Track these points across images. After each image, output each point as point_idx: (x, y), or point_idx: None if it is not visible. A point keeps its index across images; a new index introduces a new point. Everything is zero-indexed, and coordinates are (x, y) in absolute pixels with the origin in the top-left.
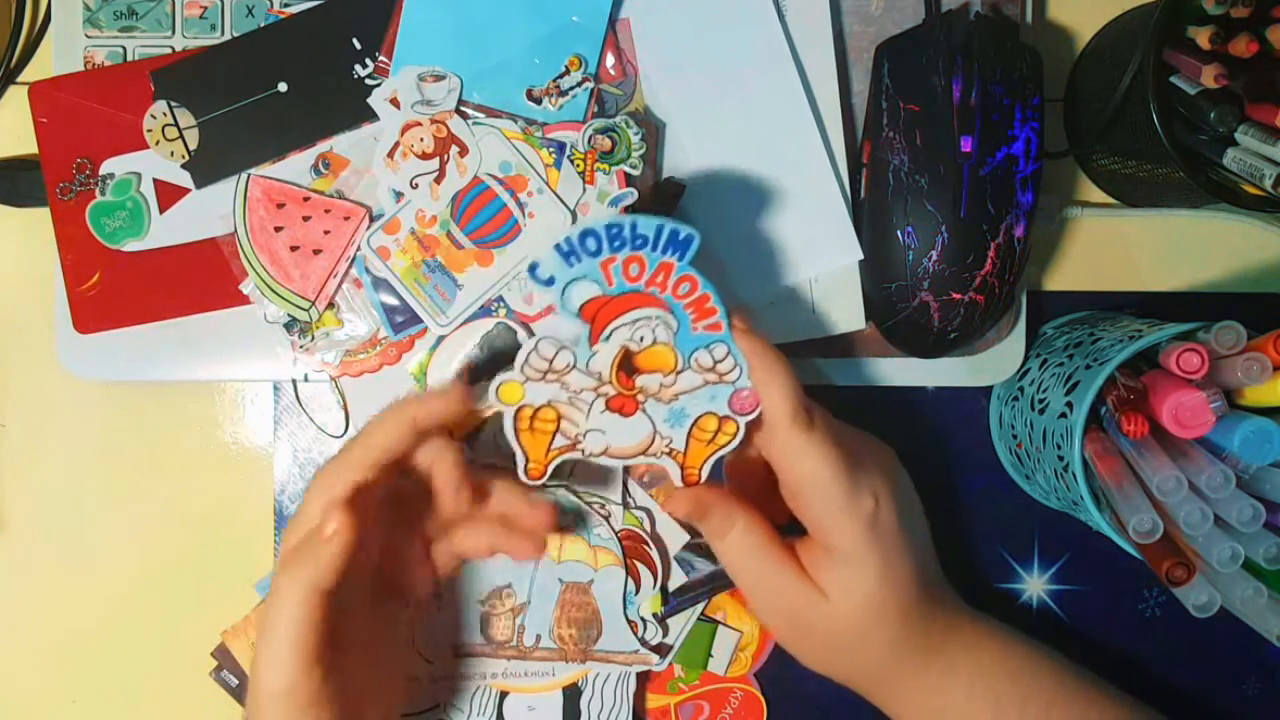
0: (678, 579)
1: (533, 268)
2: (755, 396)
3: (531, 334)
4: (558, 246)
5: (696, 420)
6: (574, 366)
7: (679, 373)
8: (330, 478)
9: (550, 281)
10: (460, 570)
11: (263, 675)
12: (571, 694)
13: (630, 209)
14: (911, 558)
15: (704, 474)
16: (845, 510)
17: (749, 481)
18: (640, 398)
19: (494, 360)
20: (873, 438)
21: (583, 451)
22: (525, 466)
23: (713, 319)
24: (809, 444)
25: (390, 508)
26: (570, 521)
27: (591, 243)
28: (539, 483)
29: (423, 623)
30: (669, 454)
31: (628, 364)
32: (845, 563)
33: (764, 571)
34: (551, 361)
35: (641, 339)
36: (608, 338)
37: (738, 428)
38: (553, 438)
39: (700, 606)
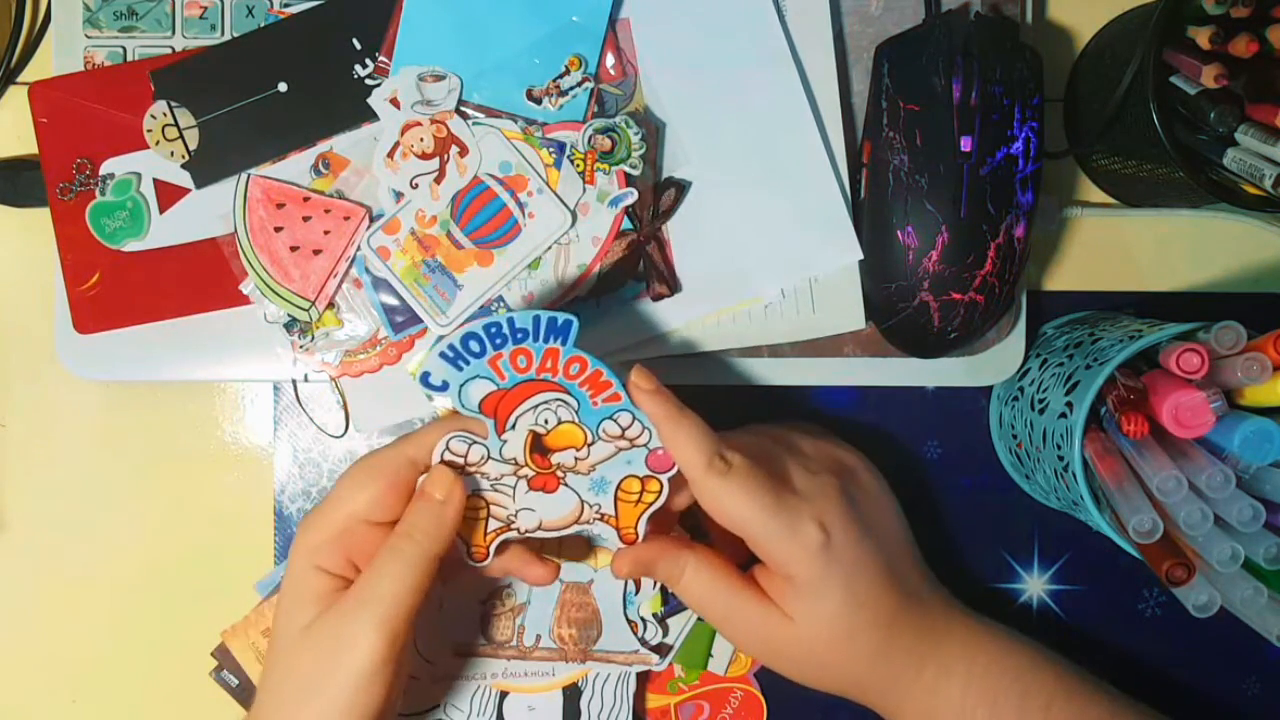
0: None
1: (424, 376)
2: (668, 455)
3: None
4: (442, 354)
5: (619, 484)
6: (489, 457)
7: (590, 445)
8: (384, 462)
9: (444, 386)
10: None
11: (357, 648)
12: (571, 694)
13: (630, 209)
14: (881, 570)
15: (641, 531)
16: (788, 544)
17: (713, 521)
18: (559, 473)
19: None
20: (829, 445)
21: (518, 530)
22: (469, 551)
23: (609, 391)
24: (729, 489)
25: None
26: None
27: (475, 345)
28: (485, 564)
29: (423, 623)
30: (601, 519)
31: (539, 446)
32: (804, 591)
33: (726, 605)
34: (465, 457)
35: (546, 421)
36: (513, 426)
37: (661, 485)
38: (485, 523)
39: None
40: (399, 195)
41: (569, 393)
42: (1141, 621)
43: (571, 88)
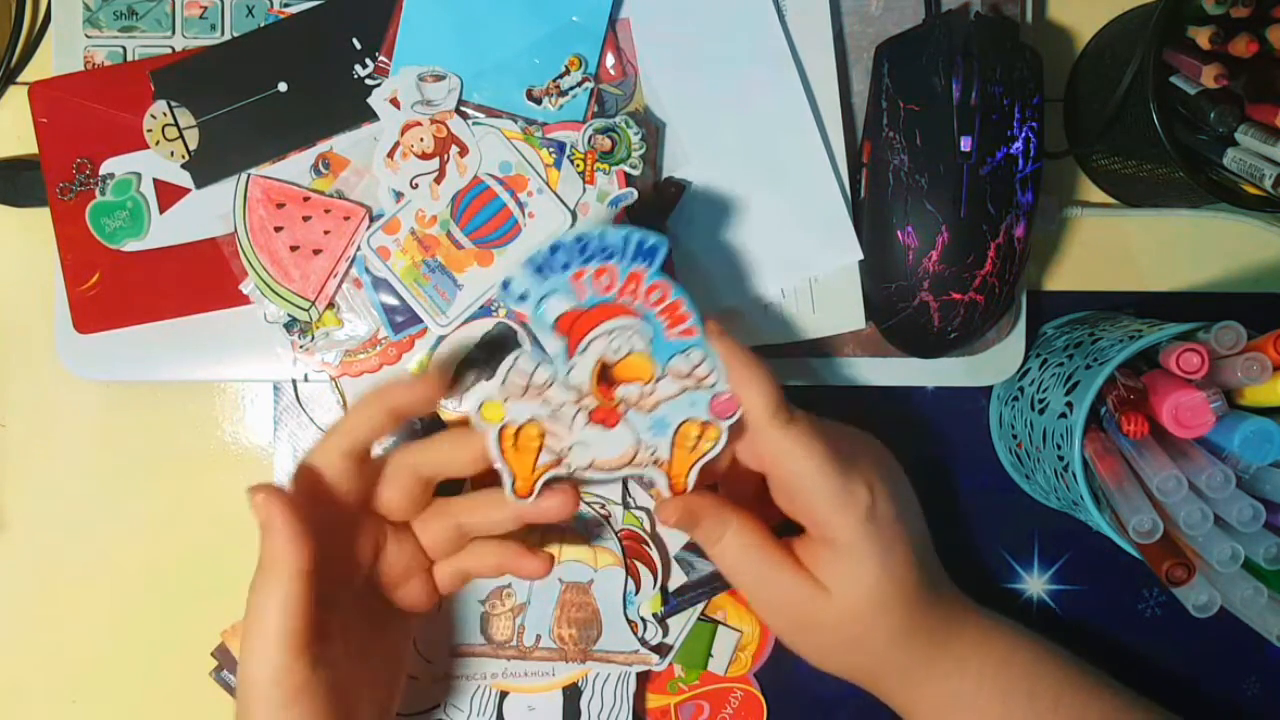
0: (678, 579)
1: (505, 284)
2: (735, 399)
3: (531, 334)
4: (529, 261)
5: (678, 428)
6: (554, 381)
7: (657, 381)
8: (311, 460)
9: (524, 297)
10: (463, 585)
11: (250, 664)
12: (571, 694)
13: (630, 209)
14: (911, 549)
15: (690, 481)
16: (839, 503)
17: (741, 488)
18: (621, 409)
19: (488, 349)
20: (861, 433)
21: (568, 467)
22: (512, 485)
23: (686, 324)
24: (793, 440)
25: (389, 523)
26: (586, 529)
27: (561, 256)
28: (528, 500)
29: (423, 623)
30: (654, 464)
31: (606, 376)
32: (845, 556)
33: (762, 571)
34: (531, 377)
35: (617, 349)
36: (584, 350)
37: (720, 433)
38: (538, 455)
39: (700, 606)
40: (399, 195)
41: (645, 320)
42: (1141, 621)
43: (571, 88)
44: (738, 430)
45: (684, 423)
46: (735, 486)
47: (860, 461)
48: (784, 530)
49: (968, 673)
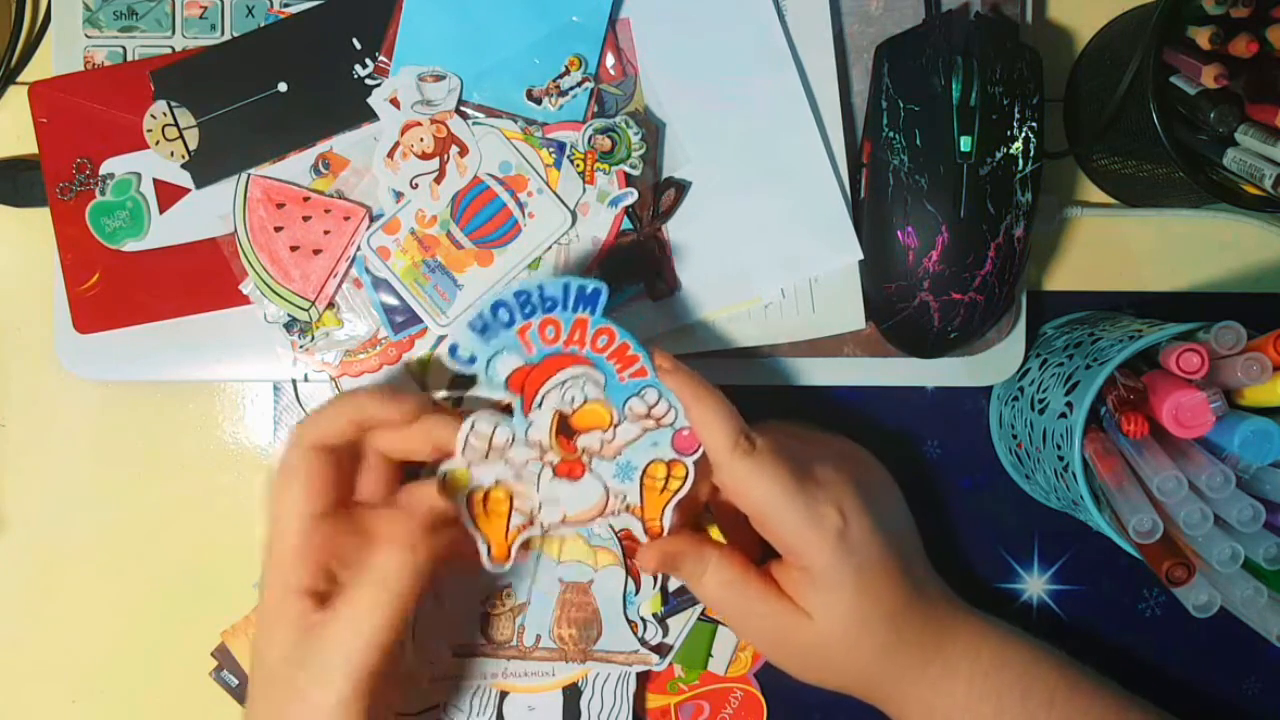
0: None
1: (452, 349)
2: (695, 434)
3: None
4: (470, 324)
5: (645, 469)
6: (513, 440)
7: (616, 426)
8: (298, 464)
9: (472, 360)
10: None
11: (330, 688)
12: (571, 694)
13: (630, 209)
14: (893, 562)
15: (666, 522)
16: (808, 529)
17: (731, 512)
18: (585, 459)
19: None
20: (836, 439)
21: (541, 526)
22: (489, 552)
23: (636, 365)
24: (754, 469)
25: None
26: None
27: (504, 313)
28: (506, 565)
29: (423, 623)
30: (627, 510)
31: (565, 428)
32: (820, 582)
33: (743, 605)
34: (491, 439)
35: (573, 400)
36: (539, 405)
37: (686, 469)
38: (509, 518)
39: (700, 606)
40: (399, 195)
41: (596, 367)
42: (1141, 621)
43: (571, 88)
44: (704, 464)
45: (650, 464)
46: (725, 511)
47: (831, 480)
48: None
49: (959, 677)
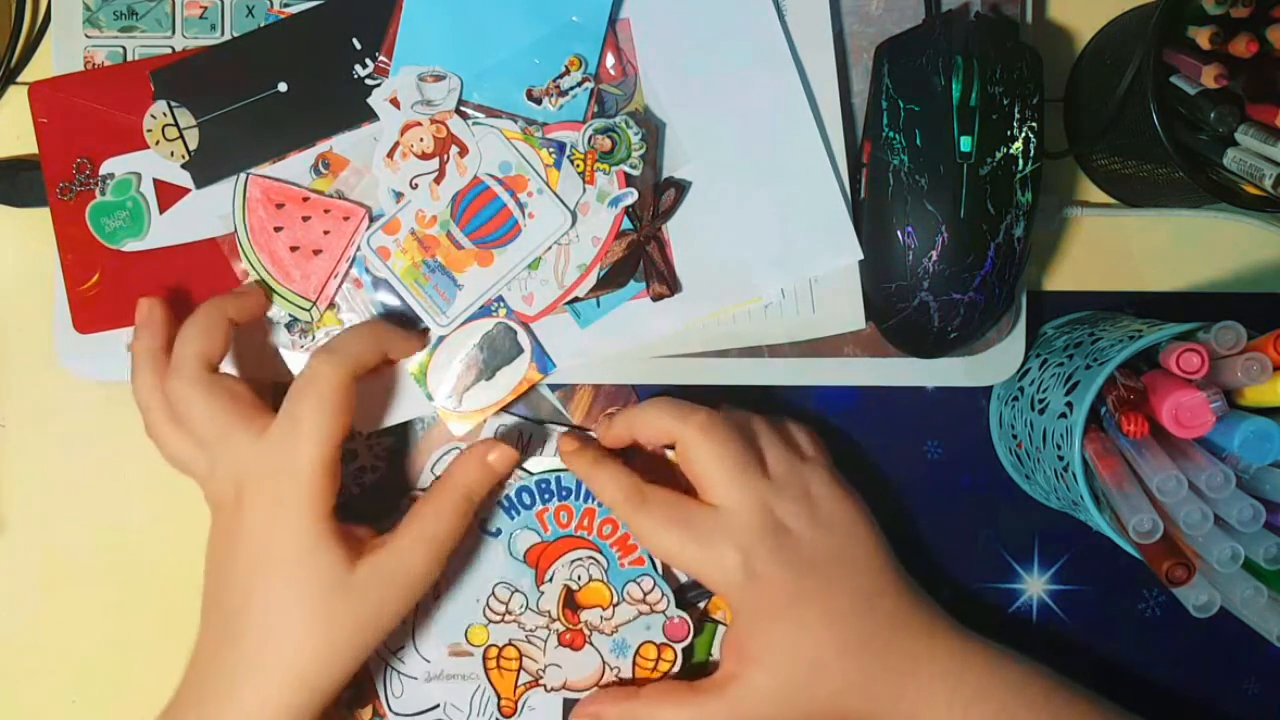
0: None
1: (482, 522)
2: (685, 623)
3: (531, 334)
4: (499, 503)
5: (638, 649)
6: (526, 607)
7: (615, 605)
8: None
9: (498, 533)
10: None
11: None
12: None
13: (630, 209)
14: (839, 595)
15: None
16: (706, 570)
17: None
18: (586, 631)
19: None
20: (807, 467)
21: (545, 686)
22: (499, 705)
23: (635, 554)
24: (647, 519)
25: None
26: None
27: (526, 497)
28: None
29: (421, 621)
30: (620, 684)
31: (571, 601)
32: (740, 622)
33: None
34: (507, 604)
35: (579, 578)
36: (550, 579)
37: (675, 654)
38: (518, 674)
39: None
40: (399, 195)
41: (601, 552)
42: (1141, 621)
43: (571, 88)
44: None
45: (643, 645)
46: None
47: (739, 524)
48: None
49: (937, 702)
